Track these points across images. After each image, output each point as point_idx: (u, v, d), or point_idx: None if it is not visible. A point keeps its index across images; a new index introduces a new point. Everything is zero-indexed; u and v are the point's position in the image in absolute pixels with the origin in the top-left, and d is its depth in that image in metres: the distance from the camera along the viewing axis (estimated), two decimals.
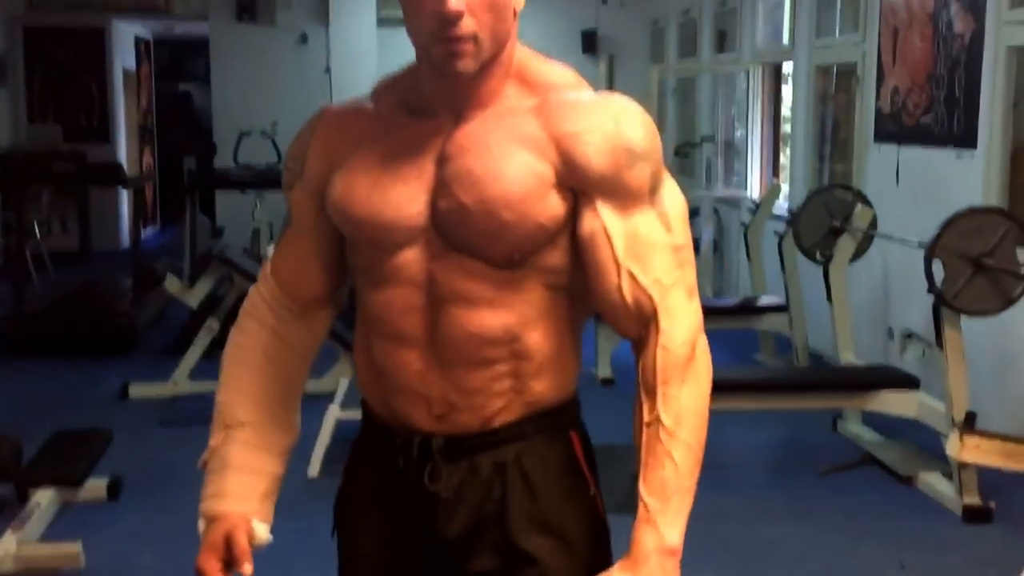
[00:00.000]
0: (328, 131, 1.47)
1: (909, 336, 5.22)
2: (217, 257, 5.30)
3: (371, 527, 1.50)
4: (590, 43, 9.71)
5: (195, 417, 5.02)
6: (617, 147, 1.34)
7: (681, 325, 1.36)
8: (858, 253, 5.00)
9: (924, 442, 4.40)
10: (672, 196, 1.40)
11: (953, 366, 3.84)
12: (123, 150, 10.72)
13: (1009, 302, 3.78)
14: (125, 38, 10.93)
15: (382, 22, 8.19)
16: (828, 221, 5.00)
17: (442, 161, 1.37)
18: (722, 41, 8.03)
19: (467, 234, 1.35)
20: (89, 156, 9.22)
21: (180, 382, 5.37)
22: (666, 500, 1.32)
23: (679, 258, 1.38)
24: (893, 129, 5.49)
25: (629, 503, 1.37)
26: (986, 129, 4.67)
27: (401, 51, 7.72)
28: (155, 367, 5.75)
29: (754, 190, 7.59)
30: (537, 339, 1.40)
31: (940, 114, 5.02)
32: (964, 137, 4.82)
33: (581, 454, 1.47)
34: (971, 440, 2.74)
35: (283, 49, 9.50)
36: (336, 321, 5.28)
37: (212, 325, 5.38)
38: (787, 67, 7.13)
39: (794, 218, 5.23)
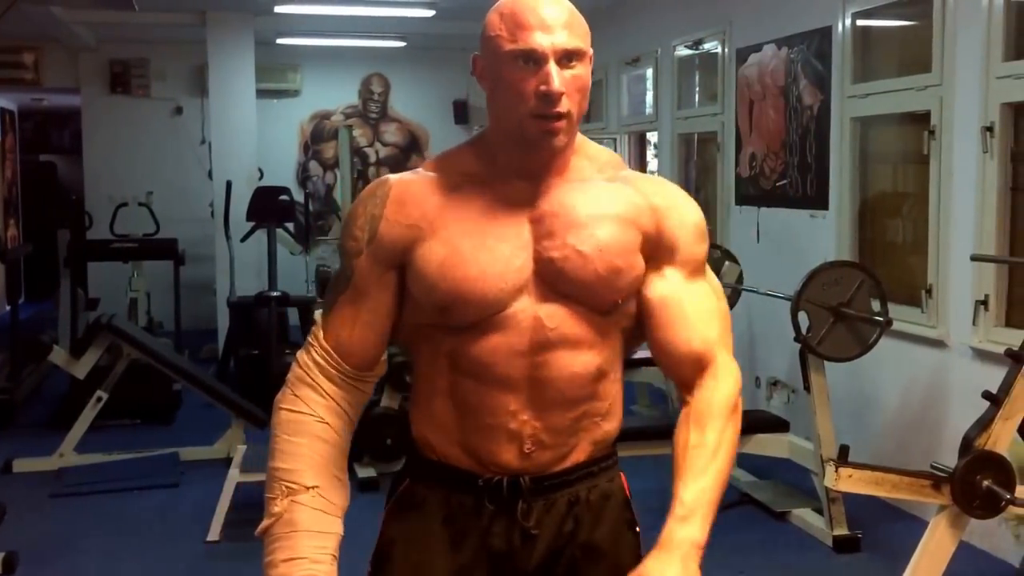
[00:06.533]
0: (402, 201, 1.55)
1: (775, 383, 5.59)
2: (107, 327, 5.28)
3: (444, 567, 1.58)
4: (462, 113, 9.99)
5: (84, 488, 5.01)
6: (696, 224, 1.59)
7: (731, 379, 1.58)
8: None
9: (794, 480, 4.73)
10: (711, 273, 1.64)
11: (819, 408, 4.17)
12: None
13: (867, 348, 4.12)
14: None
15: (261, 93, 8.31)
16: None
17: (539, 219, 1.53)
18: (588, 111, 8.40)
19: (582, 280, 1.50)
20: None
21: (67, 454, 5.31)
22: (701, 505, 1.48)
23: (725, 324, 1.61)
24: (752, 192, 5.91)
25: None
26: (836, 191, 5.10)
27: (280, 122, 8.08)
28: (36, 440, 5.67)
29: None
30: (613, 379, 1.59)
31: (794, 178, 5.45)
32: (817, 199, 5.26)
33: (628, 492, 1.66)
34: (845, 471, 3.02)
35: (157, 120, 9.52)
36: (225, 387, 5.33)
37: (100, 396, 5.36)
38: (652, 135, 7.55)
39: None
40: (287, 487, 1.54)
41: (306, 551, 1.52)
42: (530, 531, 1.55)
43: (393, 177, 1.59)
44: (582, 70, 1.49)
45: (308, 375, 1.58)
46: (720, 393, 1.56)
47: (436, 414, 1.58)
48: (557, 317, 1.51)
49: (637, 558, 1.62)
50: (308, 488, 1.54)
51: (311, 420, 1.56)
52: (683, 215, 1.58)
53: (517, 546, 1.56)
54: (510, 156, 1.54)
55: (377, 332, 1.58)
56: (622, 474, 1.65)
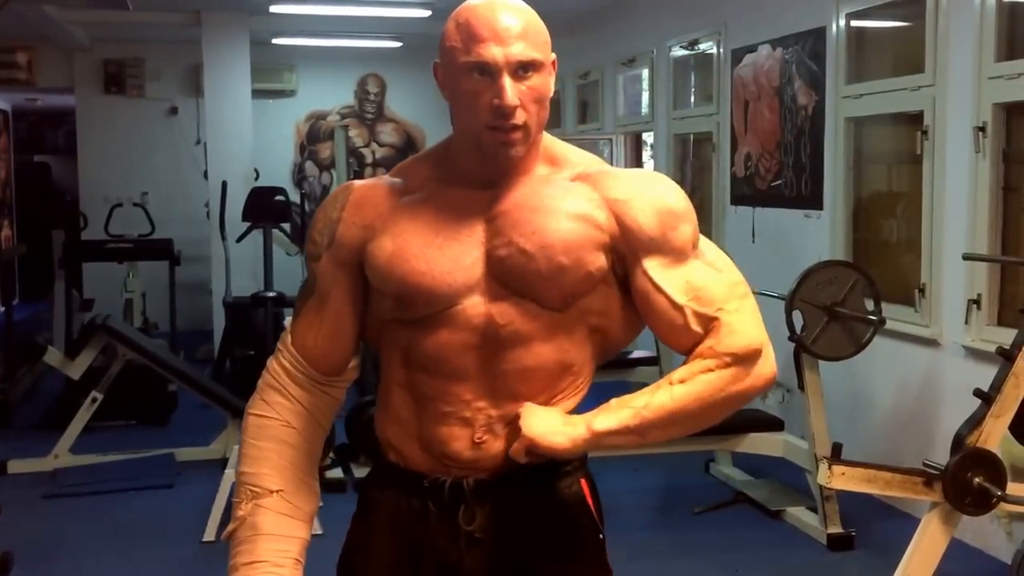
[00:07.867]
0: (360, 204, 1.57)
1: None
2: (102, 328, 5.29)
3: (394, 568, 1.57)
4: None
5: (79, 489, 5.02)
6: (662, 211, 1.51)
7: (732, 337, 1.49)
8: None
9: (789, 479, 4.75)
10: (714, 249, 1.57)
11: (813, 407, 4.19)
12: None
13: (860, 347, 4.14)
14: None
15: (256, 93, 8.31)
16: None
17: (492, 219, 1.51)
18: (584, 112, 8.44)
19: (526, 277, 1.48)
20: None
21: (62, 455, 5.31)
22: (620, 408, 1.47)
23: (738, 291, 1.53)
24: (747, 192, 5.92)
25: None
26: (830, 191, 5.12)
27: (275, 122, 8.11)
28: (31, 441, 5.67)
29: None
30: (575, 372, 1.55)
31: (789, 178, 5.47)
32: (811, 199, 5.28)
33: (590, 499, 1.60)
34: (838, 469, 3.03)
35: (152, 121, 9.52)
36: (221, 388, 5.33)
37: (95, 397, 5.36)
38: (648, 136, 7.56)
39: None
40: (251, 491, 1.56)
41: (267, 555, 1.54)
42: (474, 535, 1.53)
43: (356, 182, 1.61)
44: (539, 80, 1.46)
45: (276, 380, 1.60)
46: (710, 344, 1.49)
47: (395, 408, 1.57)
48: (509, 314, 1.50)
49: (602, 566, 1.60)
50: (272, 492, 1.56)
51: (277, 424, 1.58)
52: (645, 204, 1.51)
53: (464, 552, 1.54)
54: (470, 163, 1.53)
55: (342, 335, 1.59)
56: (583, 479, 1.60)
